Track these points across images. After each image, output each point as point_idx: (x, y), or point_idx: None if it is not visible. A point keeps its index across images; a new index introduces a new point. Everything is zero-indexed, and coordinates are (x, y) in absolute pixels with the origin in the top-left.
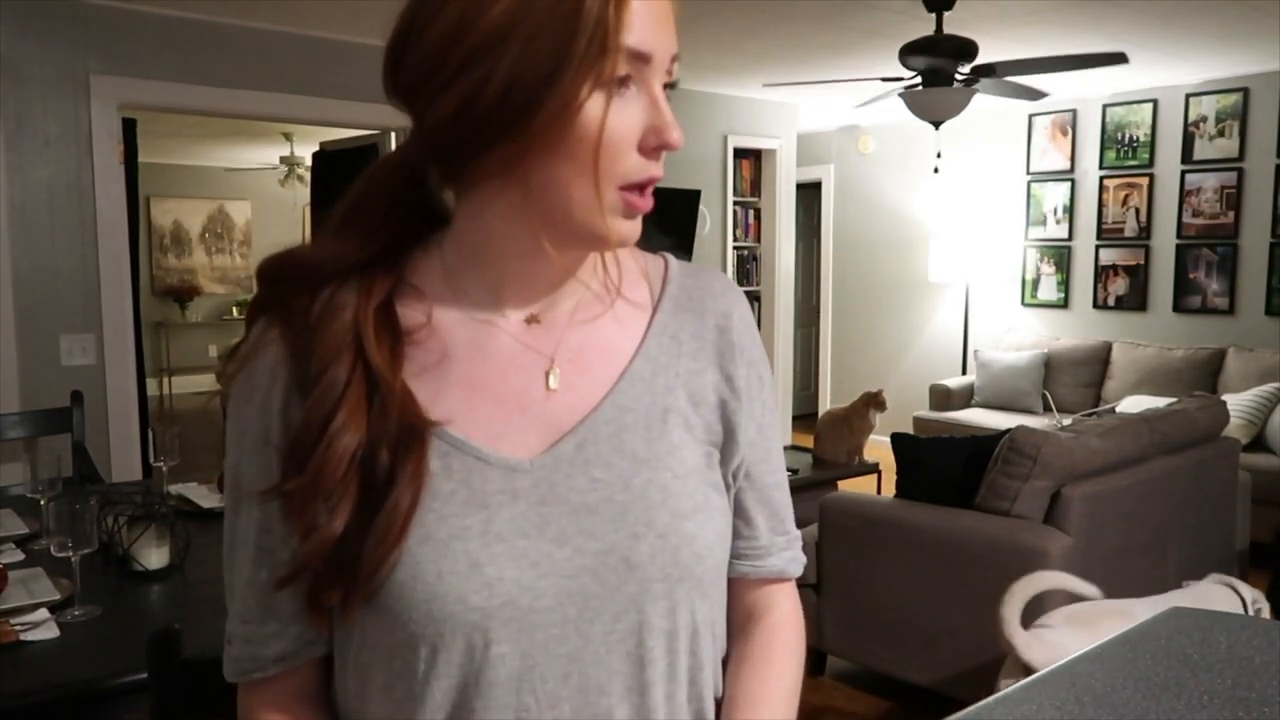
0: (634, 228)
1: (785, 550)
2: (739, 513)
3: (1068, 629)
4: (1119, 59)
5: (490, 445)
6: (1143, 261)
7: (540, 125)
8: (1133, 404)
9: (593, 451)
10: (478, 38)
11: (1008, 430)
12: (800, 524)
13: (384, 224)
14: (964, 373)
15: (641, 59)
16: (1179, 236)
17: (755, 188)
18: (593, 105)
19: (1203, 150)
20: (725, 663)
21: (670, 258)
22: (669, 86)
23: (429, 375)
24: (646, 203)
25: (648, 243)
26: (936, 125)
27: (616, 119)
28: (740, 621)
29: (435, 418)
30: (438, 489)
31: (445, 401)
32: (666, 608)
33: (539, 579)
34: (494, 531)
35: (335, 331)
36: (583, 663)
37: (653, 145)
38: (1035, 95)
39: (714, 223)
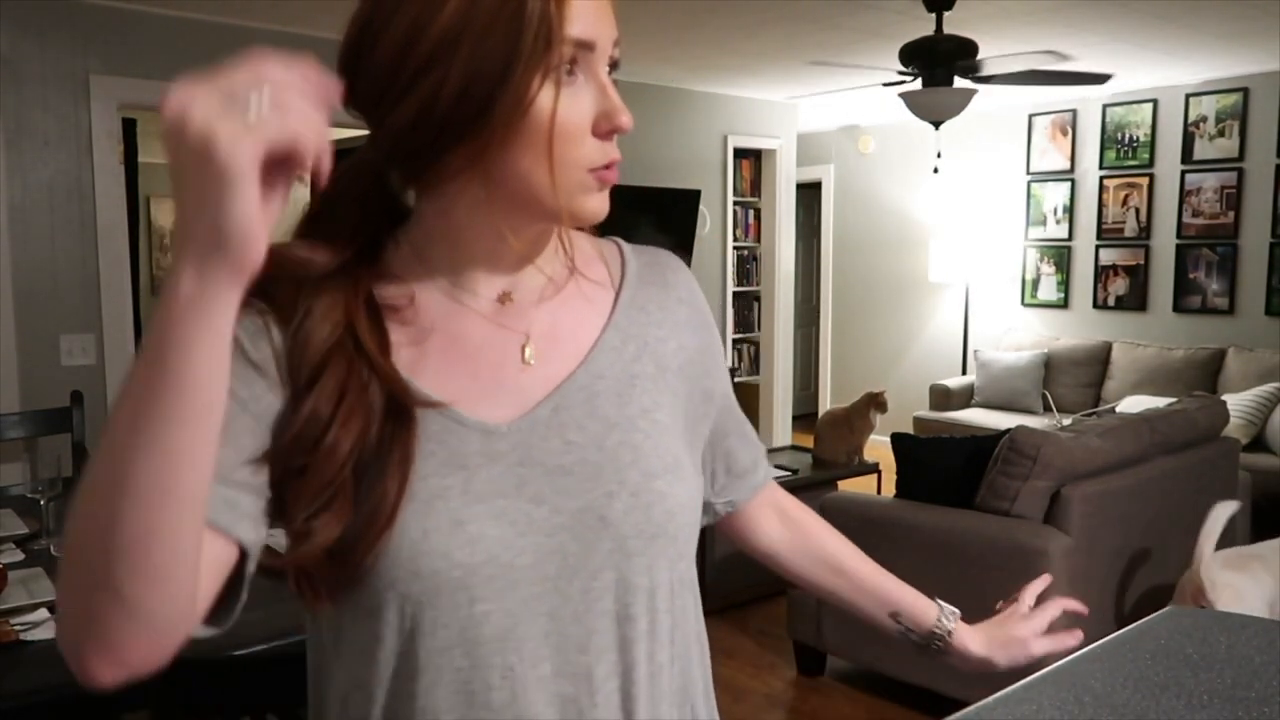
0: (602, 202)
1: (765, 456)
2: (732, 457)
3: (1228, 573)
4: (1103, 79)
5: (469, 411)
6: (1143, 261)
7: (497, 121)
8: (1133, 404)
9: (567, 415)
10: (430, 43)
11: (1008, 430)
12: None
13: (356, 228)
14: (964, 373)
15: (586, 47)
16: (1179, 236)
17: (755, 188)
18: (544, 97)
19: (1203, 150)
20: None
21: (620, 240)
22: (613, 69)
23: (412, 350)
24: (612, 176)
25: (648, 242)
26: (936, 125)
27: (568, 108)
28: (767, 522)
29: (416, 390)
30: (417, 450)
31: (426, 375)
32: (644, 564)
33: (518, 537)
34: (474, 491)
35: (328, 325)
36: (562, 621)
37: (605, 130)
38: (1096, 79)
39: (714, 223)
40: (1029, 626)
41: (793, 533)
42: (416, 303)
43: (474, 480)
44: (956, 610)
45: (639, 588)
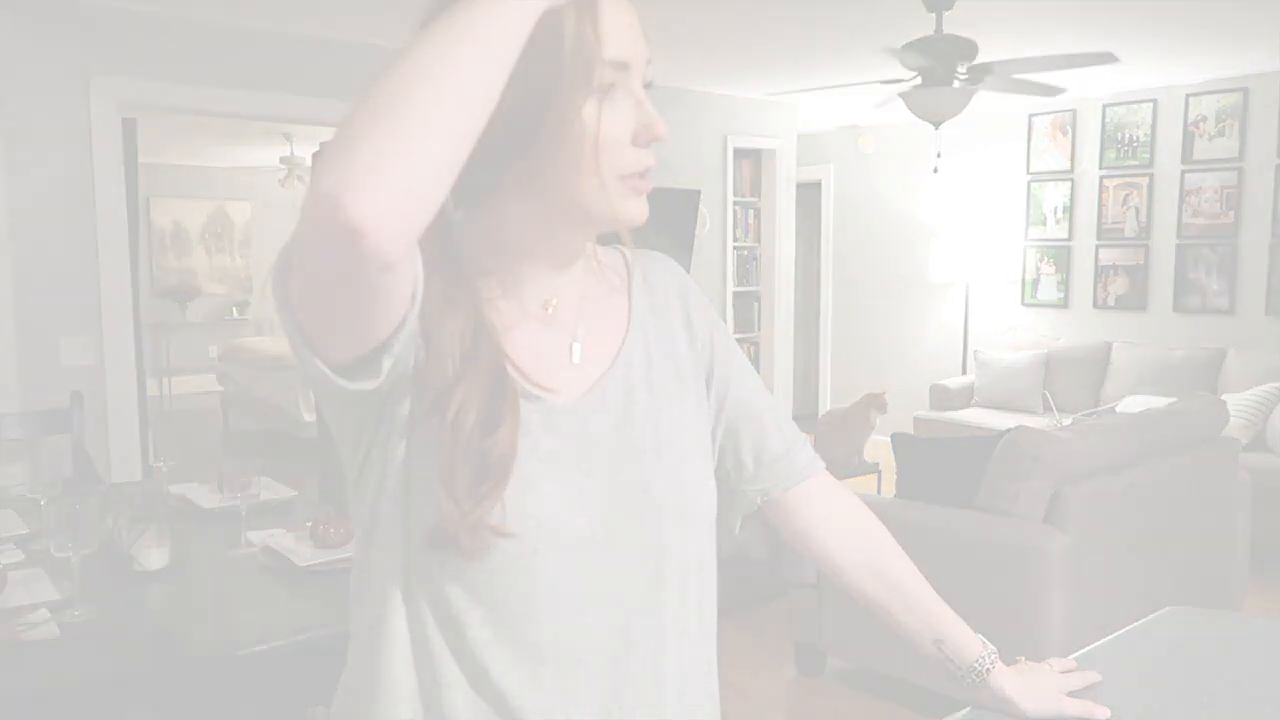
0: (642, 206)
1: (805, 448)
2: (761, 444)
3: None
4: (1107, 58)
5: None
6: (1142, 261)
7: (546, 139)
8: (1133, 404)
9: (611, 402)
10: None
11: (1008, 430)
12: None
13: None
14: (964, 373)
15: (622, 68)
16: (1179, 236)
17: (755, 188)
18: (588, 115)
19: (1203, 150)
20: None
21: (622, 248)
22: (646, 88)
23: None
24: (647, 184)
25: (648, 242)
26: (936, 125)
27: (610, 123)
28: (823, 524)
29: (520, 374)
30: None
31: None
32: (679, 536)
33: (575, 501)
34: (538, 457)
35: (462, 314)
36: (606, 580)
37: (644, 140)
38: (1052, 91)
39: (714, 223)
40: (1063, 681)
41: (854, 540)
42: (495, 302)
43: (538, 448)
44: (995, 649)
45: (673, 558)
